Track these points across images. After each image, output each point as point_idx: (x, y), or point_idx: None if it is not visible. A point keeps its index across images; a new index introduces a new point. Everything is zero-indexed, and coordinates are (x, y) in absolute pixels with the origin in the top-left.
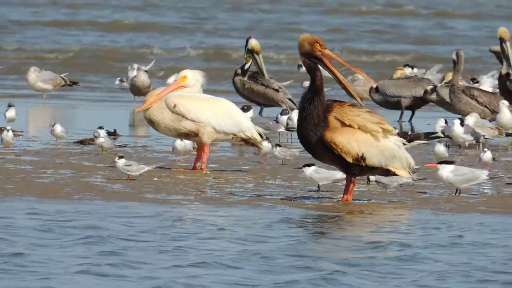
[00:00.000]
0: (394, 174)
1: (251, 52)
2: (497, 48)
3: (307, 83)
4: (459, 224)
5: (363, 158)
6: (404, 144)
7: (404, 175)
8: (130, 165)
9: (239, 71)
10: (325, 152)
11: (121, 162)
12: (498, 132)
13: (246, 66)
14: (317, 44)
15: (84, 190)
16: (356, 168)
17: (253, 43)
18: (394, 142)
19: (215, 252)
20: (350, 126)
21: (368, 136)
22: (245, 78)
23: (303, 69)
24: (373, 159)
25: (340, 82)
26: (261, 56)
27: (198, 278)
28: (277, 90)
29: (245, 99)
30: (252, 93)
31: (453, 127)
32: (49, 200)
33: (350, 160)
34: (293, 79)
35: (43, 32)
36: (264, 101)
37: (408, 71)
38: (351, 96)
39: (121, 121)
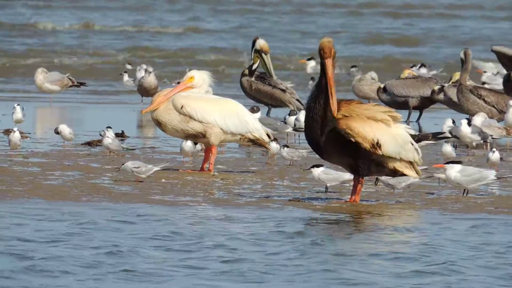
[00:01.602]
0: (402, 174)
1: (259, 52)
2: (499, 48)
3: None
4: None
5: (378, 144)
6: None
7: (412, 175)
8: (138, 167)
9: (247, 71)
10: (334, 148)
11: (129, 164)
12: (506, 132)
13: (254, 67)
14: (322, 51)
15: (92, 192)
16: (363, 166)
17: (261, 43)
18: (403, 129)
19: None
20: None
21: (379, 123)
22: (253, 79)
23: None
24: (388, 146)
25: (328, 90)
26: (269, 56)
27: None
28: (284, 91)
29: (252, 100)
30: (259, 94)
31: (461, 127)
32: (58, 202)
33: (367, 145)
34: None
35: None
36: (271, 101)
37: (423, 71)
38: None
39: (128, 122)
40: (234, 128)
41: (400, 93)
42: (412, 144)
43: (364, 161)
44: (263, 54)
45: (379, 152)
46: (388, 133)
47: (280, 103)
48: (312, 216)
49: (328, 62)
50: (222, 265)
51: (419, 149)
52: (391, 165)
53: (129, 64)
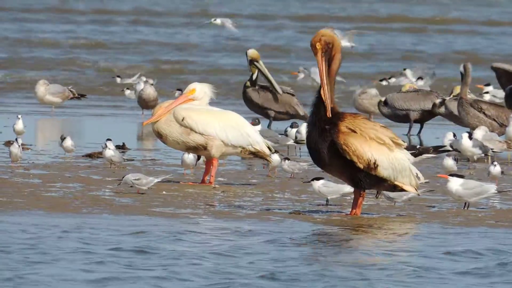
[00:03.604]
0: (401, 190)
1: (252, 62)
2: (500, 64)
3: None
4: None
5: (375, 165)
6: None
7: (411, 191)
8: (139, 178)
9: (249, 83)
10: (335, 161)
11: (129, 176)
12: (506, 145)
13: (254, 77)
14: (316, 45)
15: (92, 204)
16: (365, 180)
17: (250, 52)
18: (405, 155)
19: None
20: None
21: (381, 146)
22: (257, 88)
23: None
24: (383, 170)
25: (321, 82)
26: (262, 63)
27: None
28: (292, 94)
29: (256, 111)
30: (267, 101)
31: (462, 141)
32: (58, 214)
33: (361, 165)
34: None
35: None
36: (279, 107)
37: (421, 83)
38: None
39: (129, 134)
40: (235, 140)
41: (401, 106)
42: (411, 170)
43: (365, 175)
44: (255, 63)
45: (373, 173)
46: (387, 157)
47: (289, 108)
48: (313, 229)
49: (317, 58)
50: None
51: (419, 174)
52: (391, 182)
53: (119, 76)
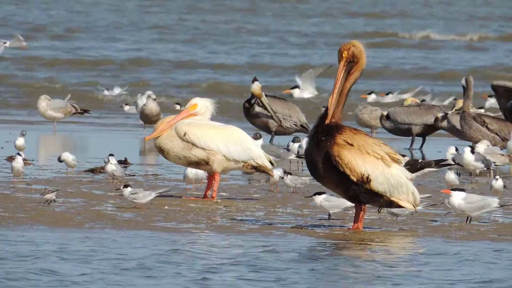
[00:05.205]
0: (398, 206)
1: (253, 97)
2: (501, 82)
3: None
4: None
5: (368, 179)
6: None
7: (408, 207)
8: (135, 193)
9: (247, 104)
10: (329, 173)
11: (127, 191)
12: (509, 159)
13: (253, 102)
14: (343, 52)
15: (94, 219)
16: (360, 194)
17: (253, 88)
18: (401, 172)
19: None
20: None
21: (376, 160)
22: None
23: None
24: (377, 184)
25: (333, 89)
26: (265, 98)
27: None
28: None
29: (260, 127)
30: (279, 109)
31: (464, 155)
32: (61, 229)
33: (354, 178)
34: None
35: None
36: (287, 112)
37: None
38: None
39: (131, 149)
40: (237, 155)
41: (404, 120)
42: (408, 186)
43: (360, 189)
44: (257, 99)
45: (367, 187)
46: (382, 172)
47: (293, 113)
48: (315, 243)
49: (339, 66)
50: None
51: (416, 191)
52: (387, 197)
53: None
